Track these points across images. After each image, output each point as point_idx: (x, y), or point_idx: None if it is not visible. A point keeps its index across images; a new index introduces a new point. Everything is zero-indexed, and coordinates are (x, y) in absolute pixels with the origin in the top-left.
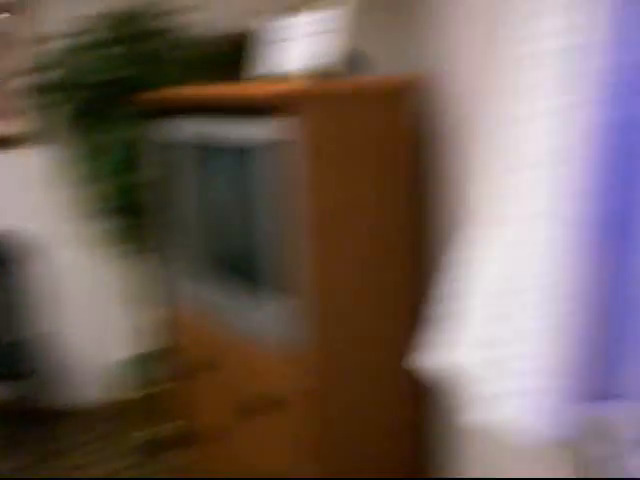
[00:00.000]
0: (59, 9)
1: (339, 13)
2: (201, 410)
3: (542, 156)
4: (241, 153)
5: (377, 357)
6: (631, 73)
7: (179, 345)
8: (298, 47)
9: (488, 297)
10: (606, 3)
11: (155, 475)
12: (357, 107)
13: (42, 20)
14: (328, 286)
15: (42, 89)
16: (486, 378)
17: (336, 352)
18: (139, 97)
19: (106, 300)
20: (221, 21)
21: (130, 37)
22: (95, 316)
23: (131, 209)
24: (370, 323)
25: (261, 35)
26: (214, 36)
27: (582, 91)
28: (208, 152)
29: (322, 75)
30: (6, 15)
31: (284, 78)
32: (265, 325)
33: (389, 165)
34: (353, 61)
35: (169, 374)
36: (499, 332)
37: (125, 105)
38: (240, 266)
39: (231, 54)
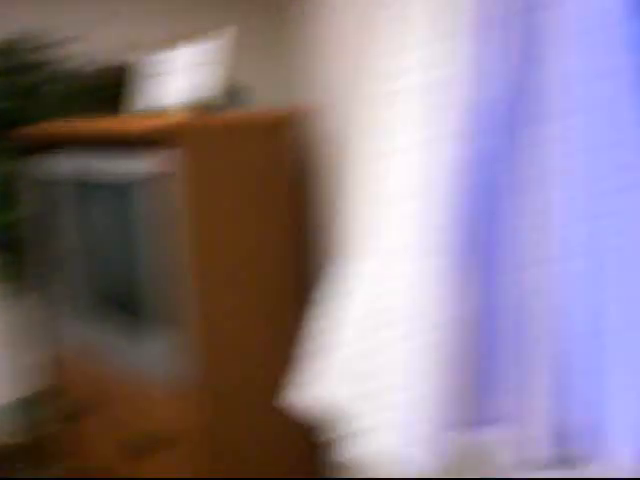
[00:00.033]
0: None
1: (217, 46)
2: (89, 451)
3: (407, 189)
4: (121, 188)
5: (265, 391)
6: (492, 107)
7: (64, 385)
8: (177, 80)
9: (358, 331)
10: (466, 38)
11: None
12: (237, 140)
13: None
14: (213, 321)
15: None
16: (359, 412)
17: (223, 387)
18: (17, 131)
19: None
20: (100, 54)
21: (7, 70)
22: None
23: (10, 246)
24: (257, 356)
25: (140, 68)
26: (93, 69)
27: (445, 125)
28: (88, 187)
29: (201, 108)
30: None
31: (163, 112)
32: (151, 362)
33: (271, 197)
34: (232, 93)
35: (55, 416)
36: (370, 365)
37: (3, 139)
38: (124, 303)
39: (110, 87)
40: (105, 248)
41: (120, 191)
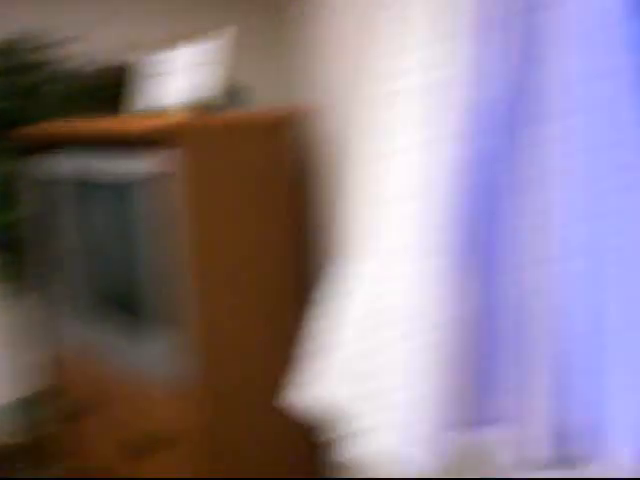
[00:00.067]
0: None
1: (217, 46)
2: (89, 451)
3: (407, 190)
4: (121, 188)
5: (265, 391)
6: (492, 107)
7: (64, 385)
8: (177, 80)
9: (358, 331)
10: (466, 39)
11: None
12: (237, 140)
13: None
14: (213, 321)
15: None
16: (359, 412)
17: (223, 387)
18: (17, 131)
19: None
20: (100, 54)
21: (7, 70)
22: None
23: (10, 246)
24: (257, 356)
25: (140, 68)
26: (94, 69)
27: (445, 125)
28: (88, 187)
29: (202, 108)
30: None
31: (163, 112)
32: (151, 362)
33: (271, 197)
34: (232, 93)
35: (55, 416)
36: (370, 365)
37: (3, 139)
38: (124, 303)
39: (111, 87)
40: (105, 248)
41: (120, 191)
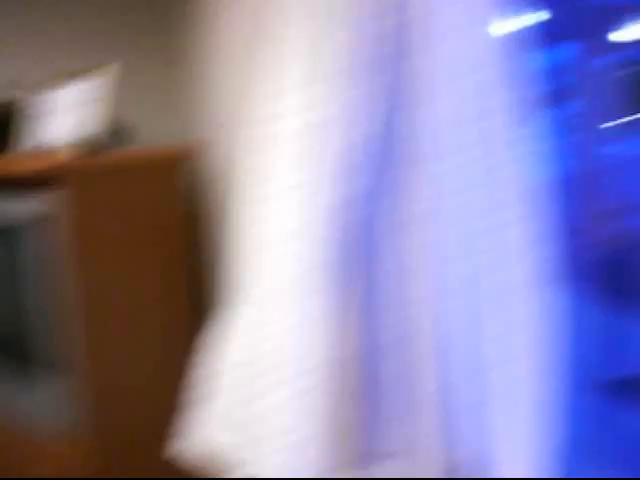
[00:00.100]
0: None
1: (101, 83)
2: None
3: (285, 233)
4: (6, 230)
5: (155, 439)
6: (367, 149)
7: None
8: (62, 119)
9: (235, 379)
10: (340, 82)
11: None
12: (124, 179)
13: None
14: (102, 366)
15: None
16: (245, 459)
17: (113, 435)
18: None
19: None
20: None
21: None
22: None
23: None
24: (148, 403)
25: (26, 107)
26: None
27: (321, 167)
28: None
29: (86, 147)
30: None
31: (48, 152)
32: (38, 409)
33: (161, 238)
34: (118, 132)
35: None
36: (253, 412)
37: None
38: (11, 348)
39: None
40: None
41: (5, 233)
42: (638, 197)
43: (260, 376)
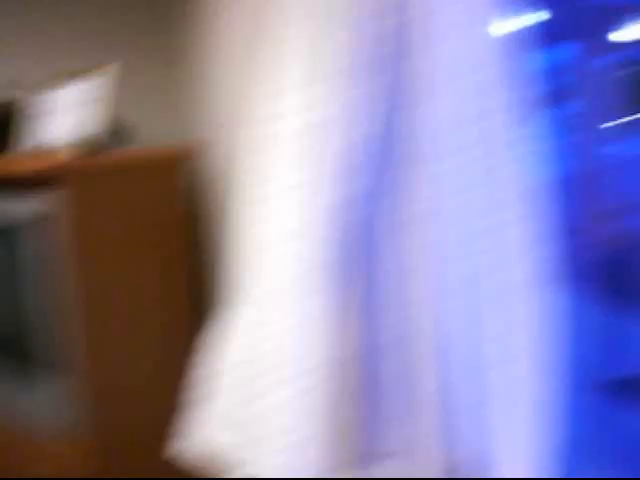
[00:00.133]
0: None
1: (102, 83)
2: None
3: (285, 232)
4: (7, 229)
5: (156, 439)
6: (368, 149)
7: None
8: (62, 119)
9: (235, 379)
10: (340, 82)
11: None
12: (125, 179)
13: None
14: (102, 366)
15: None
16: (245, 459)
17: (113, 435)
18: None
19: None
20: None
21: None
22: None
23: None
24: (148, 402)
25: (26, 107)
26: None
27: (321, 167)
28: None
29: (86, 147)
30: None
31: (48, 152)
32: (39, 409)
33: (161, 238)
34: (118, 132)
35: None
36: (253, 412)
37: None
38: (11, 348)
39: None
40: None
41: (5, 233)
42: (638, 197)
43: (260, 376)
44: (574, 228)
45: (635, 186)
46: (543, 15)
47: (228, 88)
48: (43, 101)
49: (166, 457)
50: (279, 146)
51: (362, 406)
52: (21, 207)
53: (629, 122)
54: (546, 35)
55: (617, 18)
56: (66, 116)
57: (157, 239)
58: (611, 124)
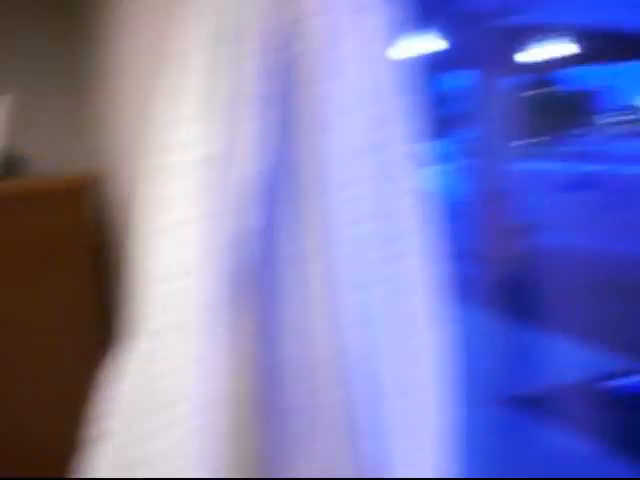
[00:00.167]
0: None
1: None
2: None
3: (180, 266)
4: None
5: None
6: (266, 181)
7: None
8: None
9: (128, 418)
10: (241, 114)
11: None
12: (21, 210)
13: None
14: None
15: None
16: None
17: (14, 472)
18: None
19: None
20: None
21: None
22: None
23: None
24: (50, 441)
25: None
26: None
27: (218, 200)
28: None
29: None
30: None
31: None
32: None
33: (65, 268)
34: (13, 162)
35: None
36: (144, 452)
37: None
38: None
39: None
40: None
41: None
42: (541, 215)
43: (151, 416)
44: (477, 249)
45: (537, 205)
46: (446, 41)
47: (130, 115)
48: None
49: None
50: (175, 178)
51: (262, 441)
52: None
53: (533, 143)
54: (448, 60)
55: (522, 40)
56: None
57: (60, 270)
58: (514, 145)
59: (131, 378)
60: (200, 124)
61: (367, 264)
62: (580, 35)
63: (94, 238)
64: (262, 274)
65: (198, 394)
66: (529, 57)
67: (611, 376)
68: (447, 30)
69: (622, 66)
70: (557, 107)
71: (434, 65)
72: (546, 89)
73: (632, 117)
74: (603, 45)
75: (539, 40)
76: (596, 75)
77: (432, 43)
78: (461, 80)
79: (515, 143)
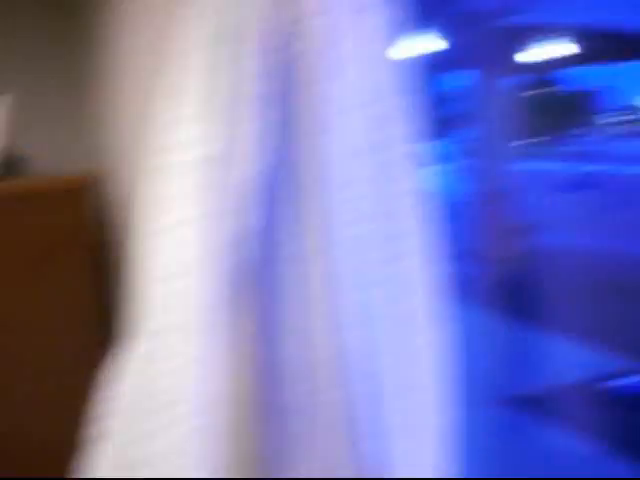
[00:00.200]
0: None
1: None
2: None
3: (180, 266)
4: None
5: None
6: (266, 181)
7: None
8: None
9: (128, 418)
10: (240, 114)
11: None
12: (22, 210)
13: None
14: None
15: None
16: None
17: (13, 473)
18: None
19: None
20: None
21: None
22: None
23: None
24: (51, 440)
25: None
26: None
27: (218, 200)
28: None
29: None
30: None
31: None
32: None
33: (67, 268)
34: (14, 162)
35: None
36: (144, 452)
37: None
38: None
39: None
40: None
41: None
42: (541, 216)
43: (151, 415)
44: (477, 249)
45: (537, 205)
46: (447, 41)
47: (130, 115)
48: None
49: None
50: (175, 178)
51: (262, 441)
52: None
53: (533, 143)
54: (449, 60)
55: (522, 40)
56: None
57: (60, 270)
58: (515, 145)
59: (131, 378)
60: (200, 124)
61: (367, 264)
62: (580, 35)
63: (94, 238)
64: (262, 274)
65: (198, 394)
66: (529, 57)
67: (611, 376)
68: (447, 30)
69: (622, 66)
70: (557, 107)
71: (434, 65)
72: (546, 89)
73: (632, 117)
74: (603, 45)
75: (539, 40)
76: (596, 75)
77: (432, 43)
78: (461, 80)
79: (515, 143)
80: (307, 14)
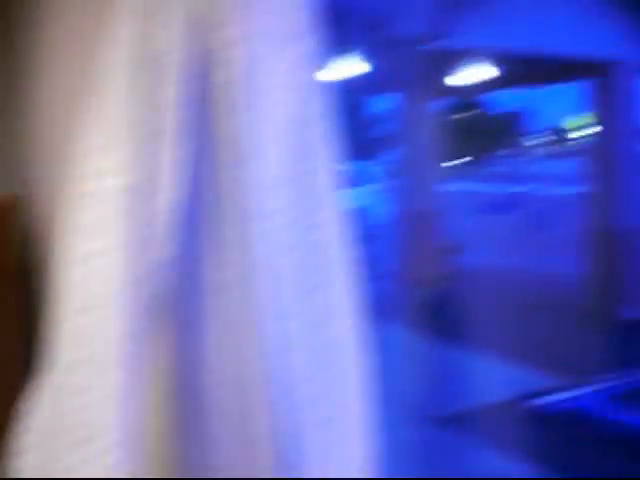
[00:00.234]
0: None
1: None
2: None
3: (94, 299)
4: None
5: None
6: (186, 210)
7: None
8: None
9: (40, 454)
10: (162, 142)
11: None
12: None
13: None
14: None
15: None
16: None
17: None
18: None
19: None
20: None
21: None
22: None
23: None
24: None
25: None
26: None
27: (135, 229)
28: None
29: None
30: None
31: None
32: None
33: None
34: None
35: None
36: None
37: None
38: None
39: None
40: None
41: None
42: (465, 236)
43: (60, 453)
44: (402, 269)
45: (462, 226)
46: (371, 65)
47: (53, 138)
48: None
49: None
50: (94, 206)
51: (185, 473)
52: None
53: (460, 164)
54: (374, 84)
55: (445, 64)
56: None
57: None
58: (441, 166)
59: (40, 414)
60: (119, 152)
61: (287, 295)
62: (503, 59)
63: (17, 264)
64: (181, 305)
65: (116, 428)
66: (454, 80)
67: (535, 394)
68: (372, 54)
69: (546, 89)
70: (483, 129)
71: (360, 89)
72: (472, 111)
73: (556, 138)
74: (525, 69)
75: (463, 64)
76: (520, 98)
77: (358, 67)
78: (388, 103)
79: (442, 164)
80: (228, 43)
